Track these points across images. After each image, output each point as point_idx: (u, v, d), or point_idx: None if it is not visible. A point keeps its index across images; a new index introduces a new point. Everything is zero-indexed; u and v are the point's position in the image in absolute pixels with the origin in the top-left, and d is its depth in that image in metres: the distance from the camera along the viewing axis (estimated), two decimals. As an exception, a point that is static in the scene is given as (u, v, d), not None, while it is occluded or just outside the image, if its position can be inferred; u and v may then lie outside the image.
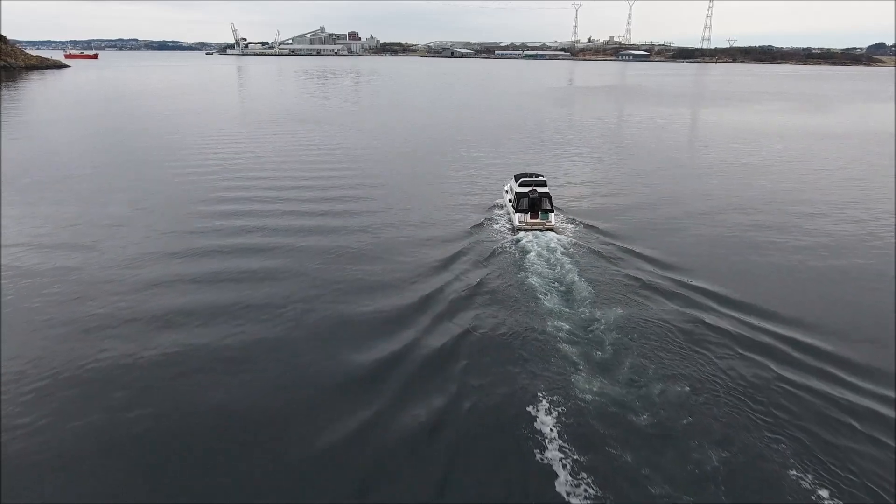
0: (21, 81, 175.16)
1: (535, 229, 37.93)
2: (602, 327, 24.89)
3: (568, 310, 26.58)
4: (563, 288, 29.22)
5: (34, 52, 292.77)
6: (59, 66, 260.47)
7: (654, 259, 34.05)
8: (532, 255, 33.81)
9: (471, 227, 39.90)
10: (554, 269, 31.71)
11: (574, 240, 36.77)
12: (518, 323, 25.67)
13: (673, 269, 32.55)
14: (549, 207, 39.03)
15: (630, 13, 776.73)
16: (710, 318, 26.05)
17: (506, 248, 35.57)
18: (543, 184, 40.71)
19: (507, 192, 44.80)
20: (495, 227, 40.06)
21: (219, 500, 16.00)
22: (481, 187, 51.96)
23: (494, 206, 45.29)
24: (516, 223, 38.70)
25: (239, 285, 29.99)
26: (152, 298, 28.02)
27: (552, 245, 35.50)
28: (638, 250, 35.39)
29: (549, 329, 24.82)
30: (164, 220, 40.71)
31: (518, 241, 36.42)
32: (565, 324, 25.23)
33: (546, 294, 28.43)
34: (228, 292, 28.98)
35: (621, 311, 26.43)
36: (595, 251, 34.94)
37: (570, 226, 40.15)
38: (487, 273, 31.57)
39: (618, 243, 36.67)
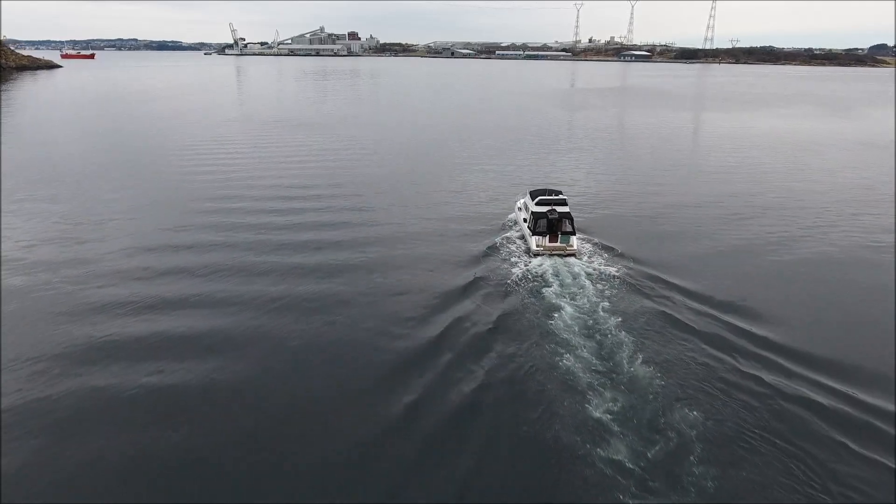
0: (7, 83, 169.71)
1: (555, 254, 32.89)
2: (690, 464, 16.73)
3: (624, 430, 18.28)
4: (604, 356, 22.63)
5: (33, 52, 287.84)
6: (51, 66, 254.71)
7: (707, 298, 28.57)
8: (556, 293, 28.43)
9: (482, 252, 34.65)
10: (589, 322, 25.59)
11: (602, 269, 31.47)
12: (550, 432, 18.37)
13: (735, 312, 27.10)
14: (570, 229, 33.87)
15: (632, 13, 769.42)
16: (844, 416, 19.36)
17: (523, 280, 30.25)
18: (564, 202, 35.57)
19: (520, 208, 39.59)
20: (509, 251, 34.80)
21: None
22: (490, 202, 46.66)
23: (506, 224, 40.02)
24: (533, 247, 33.54)
25: (226, 314, 26.07)
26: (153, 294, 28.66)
27: (578, 276, 30.35)
28: (687, 287, 29.87)
29: (599, 449, 17.40)
30: (145, 229, 36.04)
31: (537, 270, 31.24)
32: (625, 456, 17.07)
33: (586, 375, 21.28)
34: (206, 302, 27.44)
35: (701, 413, 19.09)
36: (631, 286, 29.56)
37: (594, 250, 34.85)
38: (501, 316, 26.20)
39: (655, 273, 31.32)
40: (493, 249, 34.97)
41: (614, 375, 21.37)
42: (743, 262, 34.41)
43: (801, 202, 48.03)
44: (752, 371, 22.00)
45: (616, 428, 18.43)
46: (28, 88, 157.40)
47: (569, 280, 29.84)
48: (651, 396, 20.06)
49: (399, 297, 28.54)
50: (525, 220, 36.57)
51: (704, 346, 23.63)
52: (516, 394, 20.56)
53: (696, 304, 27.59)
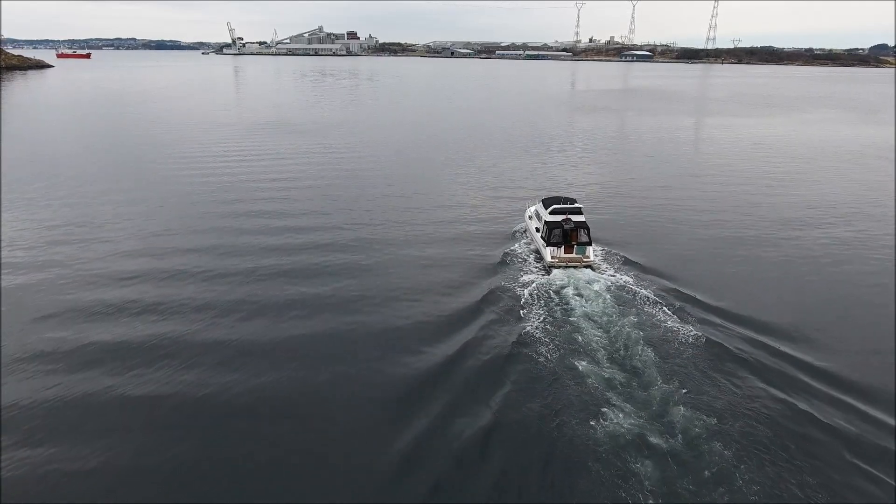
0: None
1: (571, 266, 30.14)
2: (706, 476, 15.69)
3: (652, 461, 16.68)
4: (634, 384, 20.18)
5: (32, 52, 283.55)
6: (43, 66, 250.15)
7: (727, 312, 26.05)
8: (576, 310, 25.74)
9: (492, 265, 31.92)
10: (614, 343, 23.03)
11: (622, 282, 28.78)
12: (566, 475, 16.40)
13: (761, 328, 24.53)
14: (586, 240, 31.26)
15: (633, 13, 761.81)
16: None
17: (538, 295, 27.47)
18: (579, 211, 32.89)
19: (530, 217, 36.53)
20: (521, 263, 32.07)
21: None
22: (496, 210, 43.69)
23: (515, 232, 36.64)
24: (548, 259, 30.66)
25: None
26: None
27: (598, 290, 27.62)
28: (707, 301, 27.24)
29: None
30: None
31: (553, 284, 28.49)
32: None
33: (615, 408, 18.79)
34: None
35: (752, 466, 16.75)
36: (652, 300, 26.80)
37: (611, 261, 32.17)
38: (518, 337, 23.41)
39: (676, 287, 28.64)
40: (503, 262, 32.30)
41: (642, 394, 19.74)
42: (771, 276, 31.65)
43: (837, 216, 44.50)
44: (784, 395, 19.61)
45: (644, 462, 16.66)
46: (14, 90, 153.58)
47: (588, 295, 27.17)
48: (670, 403, 19.17)
49: (406, 316, 25.82)
50: (537, 230, 33.32)
51: (728, 362, 21.94)
52: (533, 431, 18.22)
53: (716, 319, 25.42)
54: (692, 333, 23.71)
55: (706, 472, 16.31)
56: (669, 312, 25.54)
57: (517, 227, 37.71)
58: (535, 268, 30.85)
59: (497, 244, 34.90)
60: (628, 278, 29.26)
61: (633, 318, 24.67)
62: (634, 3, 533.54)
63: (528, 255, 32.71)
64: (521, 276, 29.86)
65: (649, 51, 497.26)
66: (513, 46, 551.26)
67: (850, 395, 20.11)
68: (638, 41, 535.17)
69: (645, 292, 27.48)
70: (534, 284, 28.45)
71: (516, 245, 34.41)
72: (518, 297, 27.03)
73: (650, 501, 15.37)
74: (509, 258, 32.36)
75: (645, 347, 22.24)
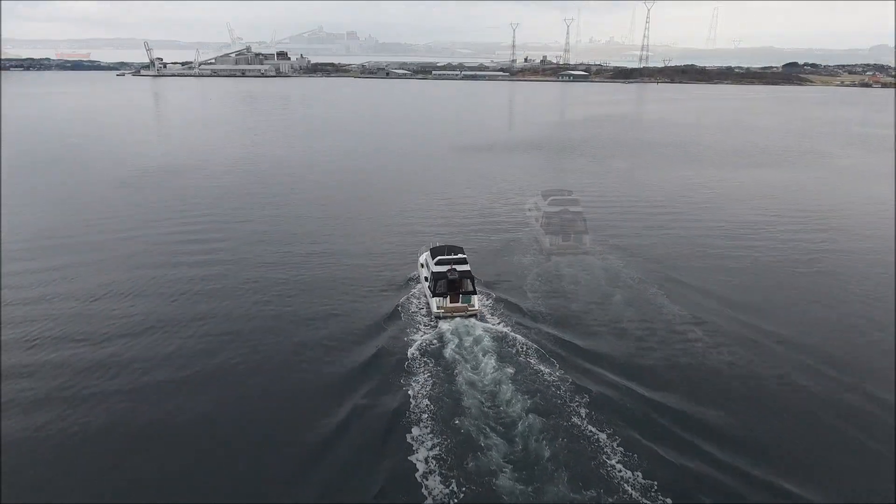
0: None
1: (457, 315, 32.26)
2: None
3: None
4: (510, 440, 22.59)
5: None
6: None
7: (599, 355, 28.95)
8: (457, 364, 27.97)
9: (383, 316, 33.68)
10: (490, 396, 25.33)
11: (504, 331, 31.20)
12: None
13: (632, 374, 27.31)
14: (471, 289, 33.33)
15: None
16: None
17: (423, 350, 29.60)
18: (464, 261, 34.76)
19: (422, 265, 38.30)
20: (412, 311, 34.26)
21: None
22: (393, 254, 44.73)
23: (411, 279, 38.77)
24: (434, 309, 32.78)
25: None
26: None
27: (479, 339, 30.09)
28: (587, 347, 30.01)
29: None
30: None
31: (437, 337, 30.76)
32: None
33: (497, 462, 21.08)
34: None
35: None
36: (532, 349, 29.33)
37: (497, 308, 34.40)
38: (401, 402, 25.34)
39: (556, 333, 31.37)
40: (395, 314, 34.00)
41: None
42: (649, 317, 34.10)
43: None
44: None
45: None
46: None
47: (469, 345, 29.47)
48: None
49: (290, 385, 27.13)
50: (426, 279, 35.61)
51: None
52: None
53: (591, 366, 28.04)
54: (564, 376, 26.38)
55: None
56: (545, 359, 27.99)
57: (412, 272, 39.17)
58: (424, 317, 33.10)
59: (394, 291, 36.86)
60: (510, 327, 31.38)
61: (512, 370, 26.71)
62: (568, 23, 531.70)
63: (418, 303, 34.86)
64: (410, 327, 31.97)
65: (584, 70, 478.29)
66: (449, 67, 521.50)
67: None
68: (573, 60, 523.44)
69: (524, 339, 29.73)
70: (419, 336, 30.48)
71: (410, 291, 36.53)
72: (404, 354, 28.82)
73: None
74: (403, 308, 34.23)
75: (519, 399, 24.37)
